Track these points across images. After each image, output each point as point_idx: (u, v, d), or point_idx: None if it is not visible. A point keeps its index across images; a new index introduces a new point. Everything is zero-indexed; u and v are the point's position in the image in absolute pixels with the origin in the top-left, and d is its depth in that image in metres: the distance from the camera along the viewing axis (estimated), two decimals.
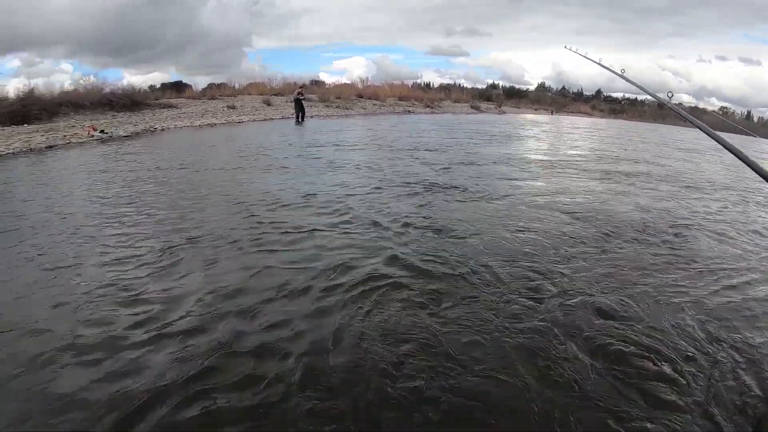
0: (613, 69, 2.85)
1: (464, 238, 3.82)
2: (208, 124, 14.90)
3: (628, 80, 2.65)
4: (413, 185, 5.91)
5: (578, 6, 60.45)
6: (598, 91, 46.61)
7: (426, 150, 9.65)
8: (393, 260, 3.26)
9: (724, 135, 1.59)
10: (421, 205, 4.90)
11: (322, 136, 12.30)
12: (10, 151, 9.43)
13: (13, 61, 38.45)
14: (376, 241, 3.70)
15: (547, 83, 47.46)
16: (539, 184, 6.45)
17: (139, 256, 3.40)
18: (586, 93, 46.62)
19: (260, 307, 2.58)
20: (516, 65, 60.37)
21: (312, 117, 18.12)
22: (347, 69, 55.25)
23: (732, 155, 1.41)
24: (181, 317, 2.48)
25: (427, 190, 5.61)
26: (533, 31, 59.70)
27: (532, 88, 44.98)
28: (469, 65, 58.05)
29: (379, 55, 56.55)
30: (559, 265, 3.25)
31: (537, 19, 61.16)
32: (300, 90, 17.70)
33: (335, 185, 5.90)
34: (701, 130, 1.63)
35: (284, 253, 3.43)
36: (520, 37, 62.06)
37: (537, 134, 15.70)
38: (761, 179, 1.30)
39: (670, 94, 1.98)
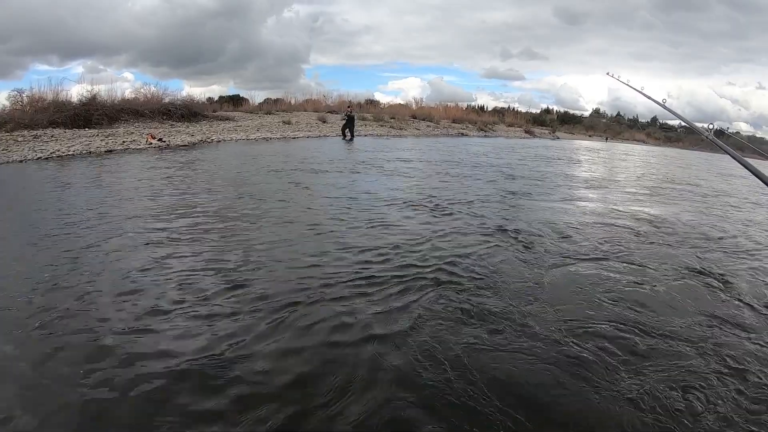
0: (654, 98, 2.79)
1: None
2: (264, 138, 14.26)
3: (669, 110, 2.68)
4: (502, 192, 6.84)
5: (638, 30, 57.50)
6: (654, 119, 44.03)
7: (499, 168, 10.10)
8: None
9: None
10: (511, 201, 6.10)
11: (395, 153, 11.96)
12: (70, 153, 8.89)
13: (78, 68, 40.48)
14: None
15: (602, 109, 45.18)
16: (593, 194, 7.41)
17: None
18: (642, 120, 44.22)
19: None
20: (571, 89, 57.78)
21: (365, 135, 17.36)
22: (402, 89, 55.40)
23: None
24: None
25: (513, 194, 6.65)
26: (592, 55, 56.89)
27: (586, 113, 42.82)
28: (525, 88, 56.41)
29: (434, 76, 55.94)
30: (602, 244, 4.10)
31: (596, 43, 58.75)
32: (350, 108, 17.19)
33: (442, 188, 6.89)
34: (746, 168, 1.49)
35: None
36: (578, 61, 59.94)
37: (593, 158, 15.92)
38: None
39: (711, 127, 1.88)
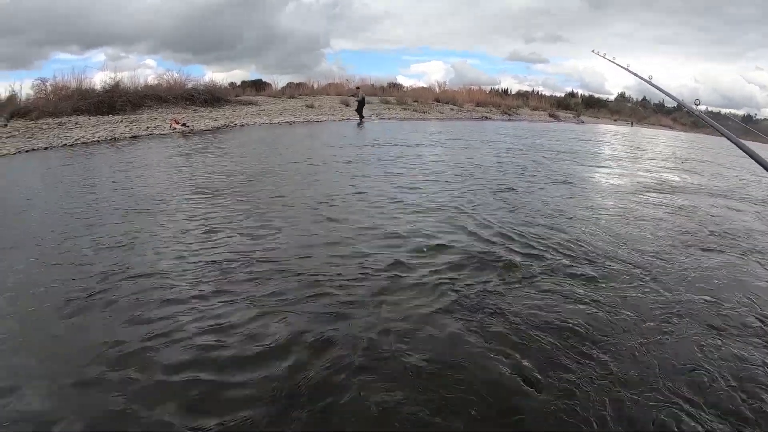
0: (640, 75, 2.80)
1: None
2: (287, 122, 13.80)
3: (655, 86, 2.68)
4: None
5: (664, 14, 54.40)
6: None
7: (542, 148, 10.26)
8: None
9: None
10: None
11: (436, 136, 11.78)
12: (95, 139, 8.53)
13: (100, 56, 40.02)
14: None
15: (628, 93, 43.48)
16: (624, 164, 8.53)
17: None
18: (668, 105, 42.49)
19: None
20: (596, 73, 55.42)
21: (389, 119, 16.72)
22: (425, 72, 53.36)
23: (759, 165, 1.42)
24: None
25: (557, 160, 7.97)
26: (616, 39, 53.72)
27: (611, 97, 40.98)
28: (548, 72, 53.88)
29: (457, 59, 53.89)
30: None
31: (620, 27, 55.40)
32: (359, 89, 16.44)
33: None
34: (729, 140, 1.66)
35: None
36: (602, 44, 56.99)
37: (621, 141, 15.75)
38: None
39: (697, 102, 2.00)
